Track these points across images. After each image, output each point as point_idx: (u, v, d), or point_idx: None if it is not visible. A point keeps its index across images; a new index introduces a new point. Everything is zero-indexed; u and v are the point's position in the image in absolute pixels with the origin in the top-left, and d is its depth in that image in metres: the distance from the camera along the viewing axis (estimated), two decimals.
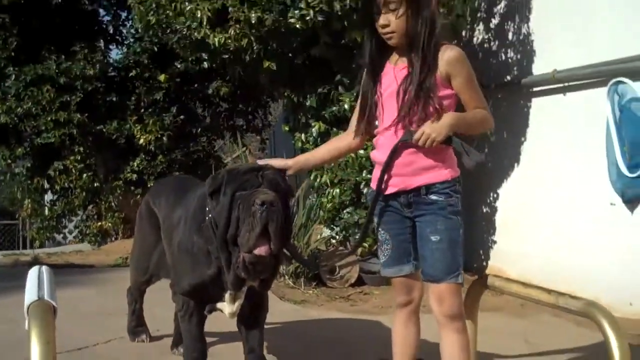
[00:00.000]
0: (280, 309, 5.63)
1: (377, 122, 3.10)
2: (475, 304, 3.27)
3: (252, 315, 3.66)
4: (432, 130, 2.84)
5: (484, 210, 7.46)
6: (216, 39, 6.35)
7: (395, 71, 2.96)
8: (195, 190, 3.63)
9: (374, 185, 3.12)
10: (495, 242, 7.39)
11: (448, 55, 2.87)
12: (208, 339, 3.81)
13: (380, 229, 3.13)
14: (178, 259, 3.59)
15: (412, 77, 2.88)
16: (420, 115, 2.88)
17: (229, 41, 6.35)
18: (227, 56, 6.76)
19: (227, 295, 3.43)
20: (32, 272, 2.41)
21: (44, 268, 2.44)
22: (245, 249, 3.10)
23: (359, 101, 3.18)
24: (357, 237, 6.98)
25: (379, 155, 3.06)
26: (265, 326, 3.84)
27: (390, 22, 2.88)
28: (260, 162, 3.36)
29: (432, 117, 2.86)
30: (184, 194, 3.78)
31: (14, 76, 10.28)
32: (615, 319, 2.55)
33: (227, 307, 3.48)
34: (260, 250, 3.06)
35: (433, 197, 2.94)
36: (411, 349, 3.17)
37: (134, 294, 4.60)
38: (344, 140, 3.33)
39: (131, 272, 4.64)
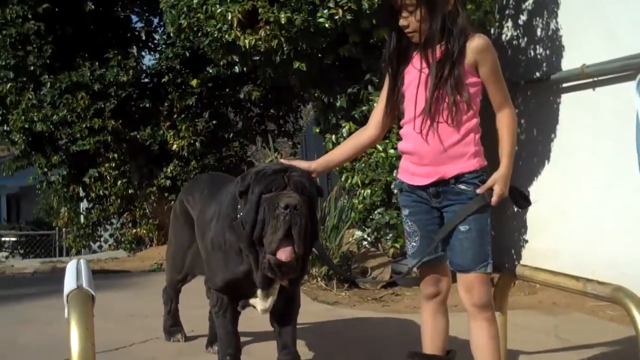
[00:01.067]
0: (313, 310, 5.65)
1: (402, 114, 3.14)
2: (505, 295, 3.27)
3: (284, 312, 3.67)
4: (502, 191, 2.96)
5: (515, 209, 7.41)
6: (247, 41, 6.41)
7: (418, 64, 3.01)
8: (227, 187, 3.65)
9: (401, 176, 3.16)
10: (526, 241, 7.35)
11: (476, 43, 2.93)
12: (242, 339, 3.84)
13: (408, 220, 3.15)
14: (211, 256, 3.63)
15: (431, 71, 2.94)
16: (449, 103, 2.92)
17: (259, 42, 6.42)
18: (257, 58, 6.82)
19: (259, 292, 3.45)
20: (71, 265, 2.46)
21: (82, 261, 2.50)
22: (269, 251, 3.13)
23: (383, 93, 3.23)
24: (388, 237, 6.99)
25: (405, 145, 3.11)
26: (298, 326, 3.86)
27: (410, 23, 2.96)
28: (285, 161, 3.40)
29: (460, 103, 2.92)
30: (216, 191, 3.81)
31: (49, 84, 10.38)
32: None
33: (260, 304, 3.50)
34: (282, 255, 3.09)
35: (462, 186, 2.97)
36: (441, 340, 3.18)
37: (170, 293, 4.63)
38: (361, 136, 3.37)
39: (167, 271, 4.71)
